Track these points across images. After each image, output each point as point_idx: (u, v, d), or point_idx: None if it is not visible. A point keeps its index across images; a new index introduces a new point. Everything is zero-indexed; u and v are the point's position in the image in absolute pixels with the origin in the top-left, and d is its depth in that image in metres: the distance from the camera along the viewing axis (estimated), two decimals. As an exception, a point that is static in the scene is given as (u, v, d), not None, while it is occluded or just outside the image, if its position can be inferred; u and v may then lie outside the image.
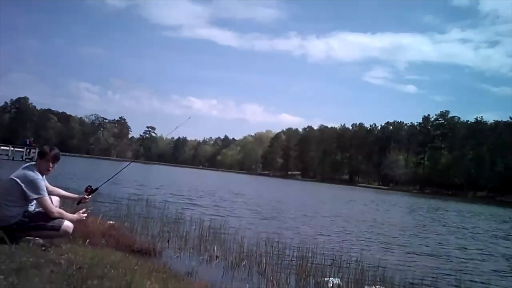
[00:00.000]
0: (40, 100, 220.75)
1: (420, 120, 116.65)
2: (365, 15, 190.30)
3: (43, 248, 4.57)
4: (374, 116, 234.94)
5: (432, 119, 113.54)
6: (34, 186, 4.76)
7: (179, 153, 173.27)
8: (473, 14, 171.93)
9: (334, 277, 5.71)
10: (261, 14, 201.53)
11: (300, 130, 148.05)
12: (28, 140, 41.04)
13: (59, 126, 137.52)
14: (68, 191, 5.60)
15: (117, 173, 6.00)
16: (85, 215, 5.22)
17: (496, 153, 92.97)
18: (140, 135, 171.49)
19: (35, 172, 4.86)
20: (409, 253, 9.49)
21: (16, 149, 40.20)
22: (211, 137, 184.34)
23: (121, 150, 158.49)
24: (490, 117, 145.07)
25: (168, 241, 7.09)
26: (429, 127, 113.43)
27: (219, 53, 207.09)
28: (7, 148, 39.91)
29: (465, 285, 5.92)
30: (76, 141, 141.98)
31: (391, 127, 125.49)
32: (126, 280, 3.86)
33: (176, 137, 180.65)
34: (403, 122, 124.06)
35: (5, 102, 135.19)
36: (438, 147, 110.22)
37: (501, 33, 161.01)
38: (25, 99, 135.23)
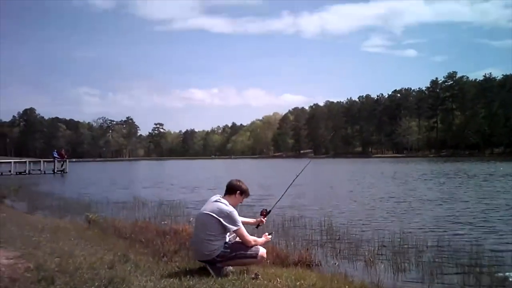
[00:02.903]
0: (45, 109, 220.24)
1: (428, 84, 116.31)
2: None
3: (253, 276, 4.77)
4: (379, 86, 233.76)
5: (440, 82, 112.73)
6: (231, 218, 4.93)
7: (189, 146, 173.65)
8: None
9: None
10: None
11: (307, 108, 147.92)
12: (56, 152, 40.35)
13: (68, 134, 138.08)
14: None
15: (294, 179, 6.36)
16: (271, 236, 5.43)
17: (508, 109, 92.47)
18: (149, 133, 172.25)
19: (228, 205, 5.05)
20: None
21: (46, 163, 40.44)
22: (218, 126, 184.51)
23: (132, 149, 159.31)
24: (496, 72, 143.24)
25: (307, 249, 7.20)
26: (438, 90, 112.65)
27: (213, 41, 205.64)
28: (39, 162, 40.24)
29: None
30: (86, 146, 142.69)
31: (398, 94, 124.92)
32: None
33: (183, 130, 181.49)
34: (410, 88, 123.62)
35: (13, 116, 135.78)
36: (450, 108, 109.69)
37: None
38: (32, 110, 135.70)
